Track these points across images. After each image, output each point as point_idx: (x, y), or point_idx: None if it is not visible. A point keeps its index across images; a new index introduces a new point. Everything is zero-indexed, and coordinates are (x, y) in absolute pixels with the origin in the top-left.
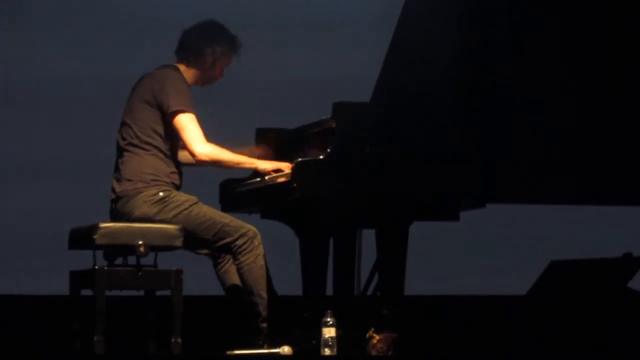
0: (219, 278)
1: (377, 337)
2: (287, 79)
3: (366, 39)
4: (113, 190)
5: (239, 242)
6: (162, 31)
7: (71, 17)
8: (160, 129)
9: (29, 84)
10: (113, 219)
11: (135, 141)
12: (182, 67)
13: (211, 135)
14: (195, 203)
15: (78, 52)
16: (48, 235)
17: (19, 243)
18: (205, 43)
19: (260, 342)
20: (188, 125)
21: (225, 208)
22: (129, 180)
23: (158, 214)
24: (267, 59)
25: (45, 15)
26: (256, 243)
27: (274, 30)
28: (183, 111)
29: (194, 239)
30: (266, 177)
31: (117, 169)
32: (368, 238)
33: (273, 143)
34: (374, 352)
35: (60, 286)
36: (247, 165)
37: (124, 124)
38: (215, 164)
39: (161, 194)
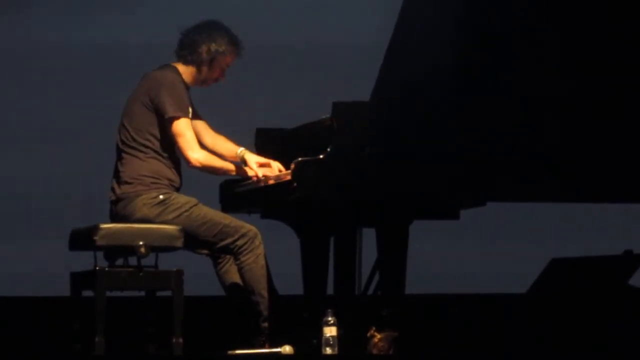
0: (219, 278)
1: (378, 336)
2: (286, 79)
3: (365, 40)
4: (113, 191)
5: (239, 242)
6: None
7: None
8: (156, 131)
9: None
10: (113, 221)
11: (133, 144)
12: (180, 67)
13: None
14: (195, 205)
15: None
16: (48, 236)
17: (20, 244)
18: (201, 40)
19: (262, 342)
20: (184, 131)
21: (225, 208)
22: (128, 182)
23: (158, 217)
24: (264, 58)
25: None
26: (257, 243)
27: (272, 29)
28: (178, 117)
29: (195, 240)
30: (261, 179)
31: (116, 170)
32: (369, 237)
33: (272, 142)
34: (375, 351)
35: (61, 287)
36: (235, 173)
37: (122, 126)
38: (206, 170)
39: (161, 196)
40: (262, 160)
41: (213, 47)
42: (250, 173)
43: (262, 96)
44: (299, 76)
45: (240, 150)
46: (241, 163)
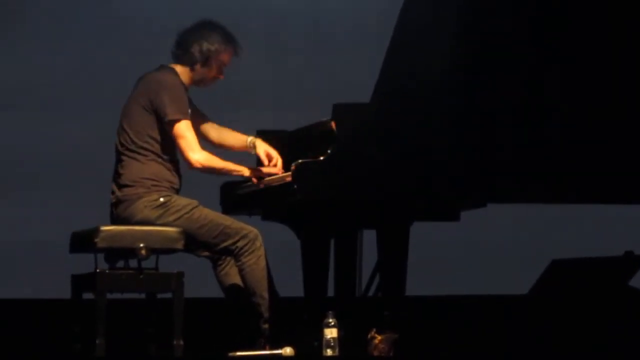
0: (219, 280)
1: (379, 338)
2: (286, 79)
3: (365, 39)
4: (113, 193)
5: (240, 244)
6: None
7: None
8: (156, 134)
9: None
10: (113, 223)
11: (133, 147)
12: (178, 68)
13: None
14: (195, 207)
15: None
16: (49, 239)
17: (21, 246)
18: (193, 40)
19: (262, 343)
20: (184, 133)
21: (226, 210)
22: (129, 185)
23: (159, 219)
24: (265, 60)
25: None
26: (258, 244)
27: (272, 31)
28: (179, 120)
29: (196, 242)
30: (264, 180)
31: (116, 173)
32: (369, 238)
33: (273, 145)
34: (375, 353)
35: (61, 290)
36: (235, 173)
37: (121, 128)
38: (207, 171)
39: (162, 199)
40: (270, 150)
41: (205, 45)
42: (248, 174)
43: (262, 97)
44: (300, 75)
45: (250, 139)
46: (251, 150)
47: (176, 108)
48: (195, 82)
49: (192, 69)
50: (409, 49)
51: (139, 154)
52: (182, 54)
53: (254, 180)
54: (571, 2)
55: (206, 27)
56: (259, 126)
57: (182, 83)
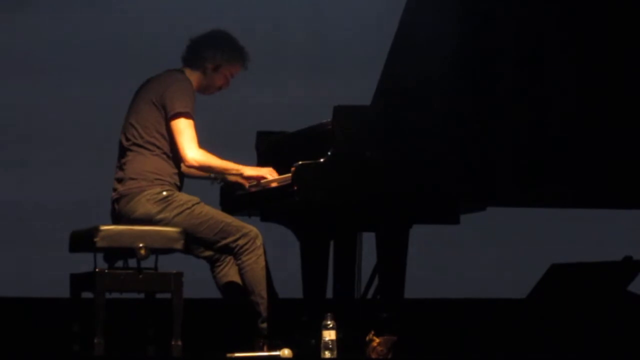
0: (216, 282)
1: (377, 340)
2: (285, 79)
3: (365, 39)
4: (115, 189)
5: (240, 242)
6: None
7: None
8: (163, 130)
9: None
10: (114, 219)
11: (140, 141)
12: (187, 72)
13: (211, 138)
14: (197, 203)
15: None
16: (48, 237)
17: (20, 245)
18: (206, 47)
19: (260, 344)
20: (185, 129)
21: (226, 210)
22: (132, 179)
23: (160, 213)
24: (265, 60)
25: None
26: (258, 243)
27: (272, 30)
28: (183, 115)
29: (196, 239)
30: (261, 182)
31: (119, 168)
32: (369, 241)
33: (273, 146)
34: (373, 355)
35: (60, 289)
36: (234, 172)
37: (128, 124)
38: (204, 170)
39: (164, 193)
40: (258, 171)
41: (219, 55)
42: (249, 173)
43: (262, 97)
44: (300, 75)
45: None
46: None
47: (183, 104)
48: (202, 88)
49: (202, 76)
50: (410, 51)
51: (145, 148)
52: (194, 60)
53: (257, 178)
54: (571, 2)
55: (220, 37)
56: (259, 127)
57: (192, 84)
